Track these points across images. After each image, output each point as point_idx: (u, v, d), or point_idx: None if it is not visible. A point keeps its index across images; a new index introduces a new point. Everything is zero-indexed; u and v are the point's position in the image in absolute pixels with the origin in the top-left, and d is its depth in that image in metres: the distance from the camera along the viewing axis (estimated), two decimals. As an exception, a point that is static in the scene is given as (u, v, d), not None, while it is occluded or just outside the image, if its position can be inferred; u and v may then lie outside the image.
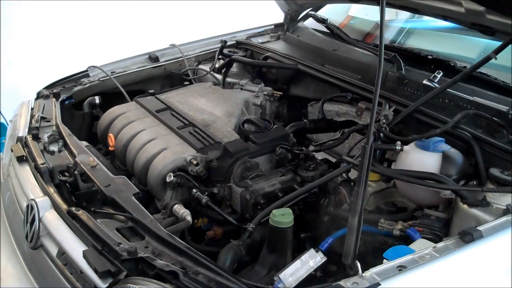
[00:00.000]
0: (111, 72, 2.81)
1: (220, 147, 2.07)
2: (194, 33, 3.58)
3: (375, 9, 2.83)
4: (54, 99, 2.55)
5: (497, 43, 2.07)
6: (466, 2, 2.06)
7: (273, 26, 3.31)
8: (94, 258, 1.51)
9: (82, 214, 1.71)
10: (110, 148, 2.31)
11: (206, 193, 1.97)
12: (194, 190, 1.96)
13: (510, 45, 1.97)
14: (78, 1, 8.34)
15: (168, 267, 1.41)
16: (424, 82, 2.19)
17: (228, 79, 2.88)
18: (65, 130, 2.24)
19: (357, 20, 3.05)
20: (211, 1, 8.35)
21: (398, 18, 2.99)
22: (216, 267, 1.43)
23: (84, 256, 1.53)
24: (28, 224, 1.81)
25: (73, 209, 1.74)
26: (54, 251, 1.70)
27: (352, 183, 2.01)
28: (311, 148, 2.40)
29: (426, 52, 2.37)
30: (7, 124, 3.23)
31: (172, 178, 1.97)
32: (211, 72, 2.94)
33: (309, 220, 2.02)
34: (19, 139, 2.23)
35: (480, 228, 1.48)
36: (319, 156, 2.31)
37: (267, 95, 2.65)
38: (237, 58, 2.92)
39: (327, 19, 2.86)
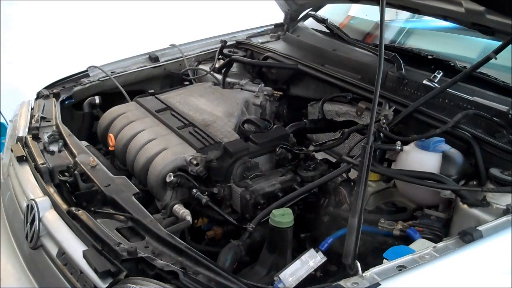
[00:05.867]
0: (111, 72, 2.81)
1: (220, 147, 2.07)
2: (194, 33, 3.59)
3: (375, 9, 2.83)
4: (54, 99, 2.55)
5: (497, 43, 2.07)
6: (466, 2, 2.06)
7: (273, 26, 3.31)
8: (94, 258, 1.51)
9: (82, 214, 1.71)
10: (110, 148, 2.31)
11: (206, 193, 1.96)
12: (194, 190, 1.96)
13: (510, 45, 1.97)
14: (78, 1, 8.35)
15: (168, 267, 1.41)
16: (424, 82, 2.19)
17: (228, 79, 2.88)
18: (65, 130, 2.24)
19: (357, 20, 3.05)
20: (211, 1, 8.36)
21: (398, 18, 2.99)
22: (216, 267, 1.43)
23: (84, 256, 1.53)
24: (28, 224, 1.81)
25: (73, 209, 1.74)
26: (54, 251, 1.70)
27: (352, 183, 2.00)
28: (311, 148, 2.40)
29: (426, 52, 2.37)
30: (7, 124, 3.23)
31: (172, 178, 1.97)
32: (211, 72, 2.94)
33: (309, 220, 2.01)
34: (19, 139, 2.23)
35: (480, 228, 1.48)
36: (319, 156, 2.31)
37: (267, 95, 2.65)
38: (237, 58, 2.92)
39: (327, 19, 2.86)
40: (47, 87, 2.67)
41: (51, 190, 1.88)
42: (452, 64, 2.22)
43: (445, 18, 2.37)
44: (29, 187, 1.97)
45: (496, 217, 1.61)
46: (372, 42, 2.72)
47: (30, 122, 2.35)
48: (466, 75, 2.05)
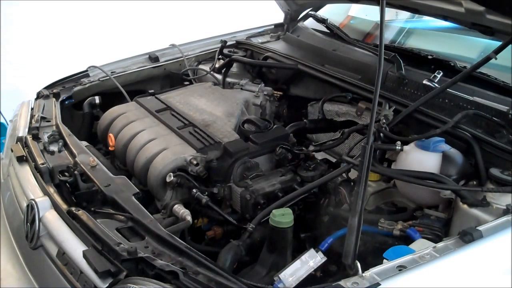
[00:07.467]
0: (111, 72, 2.81)
1: (220, 147, 2.07)
2: (194, 33, 3.59)
3: (375, 9, 2.83)
4: (54, 99, 2.55)
5: (497, 43, 2.07)
6: (466, 2, 2.06)
7: (273, 26, 3.31)
8: (94, 258, 1.51)
9: (82, 214, 1.71)
10: (110, 148, 2.31)
11: (206, 193, 1.96)
12: (194, 190, 1.96)
13: (510, 45, 1.97)
14: (78, 1, 8.35)
15: (168, 267, 1.42)
16: (424, 82, 2.19)
17: (228, 79, 2.88)
18: (65, 130, 2.24)
19: (357, 20, 3.05)
20: (211, 1, 8.37)
21: (398, 18, 2.99)
22: (216, 267, 1.43)
23: (84, 256, 1.53)
24: (28, 224, 1.81)
25: (73, 209, 1.74)
26: (54, 251, 1.70)
27: (352, 183, 2.00)
28: (311, 148, 2.40)
29: (426, 52, 2.37)
30: (7, 124, 3.23)
31: (172, 178, 1.97)
32: (211, 72, 2.94)
33: (309, 220, 2.01)
34: (19, 139, 2.23)
35: (480, 228, 1.48)
36: (319, 156, 2.31)
37: (267, 95, 2.65)
38: (237, 58, 2.92)
39: (327, 19, 2.86)
40: (47, 87, 2.67)
41: (51, 190, 1.88)
42: (452, 64, 2.22)
43: (445, 18, 2.37)
44: (29, 187, 1.97)
45: (496, 217, 1.61)
46: (372, 42, 2.72)
47: (30, 122, 2.35)
48: (466, 75, 2.05)
